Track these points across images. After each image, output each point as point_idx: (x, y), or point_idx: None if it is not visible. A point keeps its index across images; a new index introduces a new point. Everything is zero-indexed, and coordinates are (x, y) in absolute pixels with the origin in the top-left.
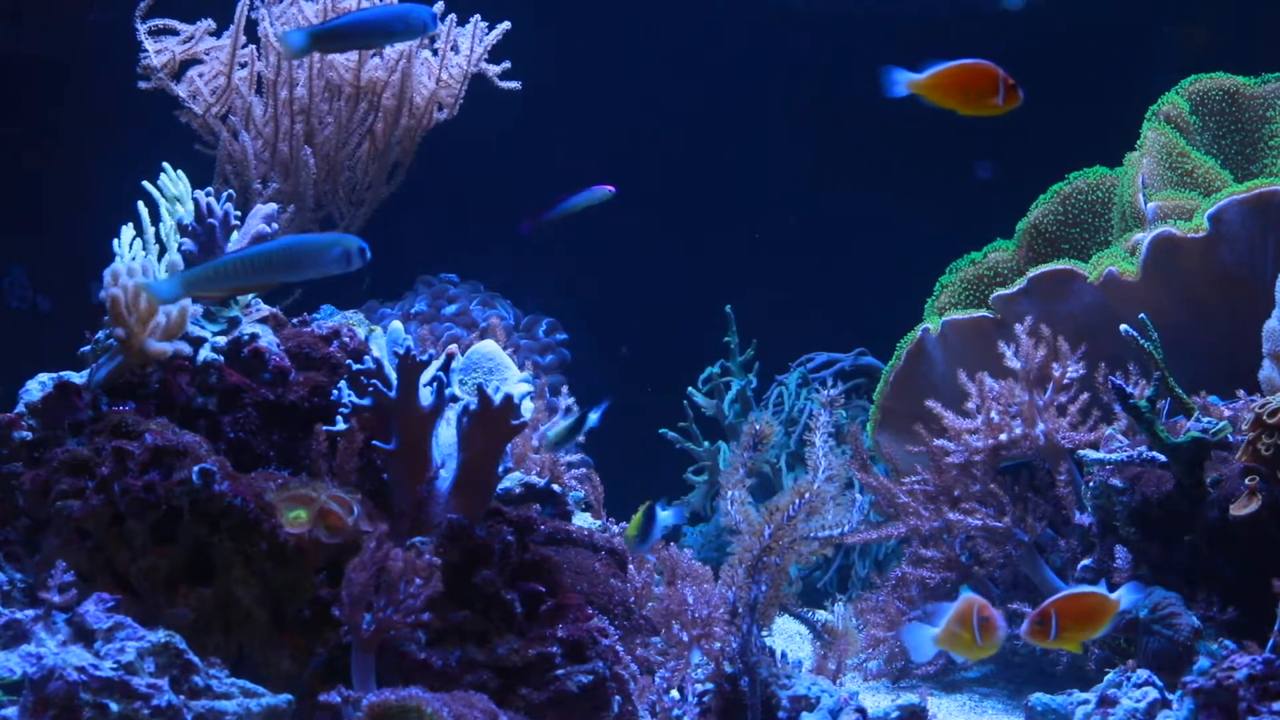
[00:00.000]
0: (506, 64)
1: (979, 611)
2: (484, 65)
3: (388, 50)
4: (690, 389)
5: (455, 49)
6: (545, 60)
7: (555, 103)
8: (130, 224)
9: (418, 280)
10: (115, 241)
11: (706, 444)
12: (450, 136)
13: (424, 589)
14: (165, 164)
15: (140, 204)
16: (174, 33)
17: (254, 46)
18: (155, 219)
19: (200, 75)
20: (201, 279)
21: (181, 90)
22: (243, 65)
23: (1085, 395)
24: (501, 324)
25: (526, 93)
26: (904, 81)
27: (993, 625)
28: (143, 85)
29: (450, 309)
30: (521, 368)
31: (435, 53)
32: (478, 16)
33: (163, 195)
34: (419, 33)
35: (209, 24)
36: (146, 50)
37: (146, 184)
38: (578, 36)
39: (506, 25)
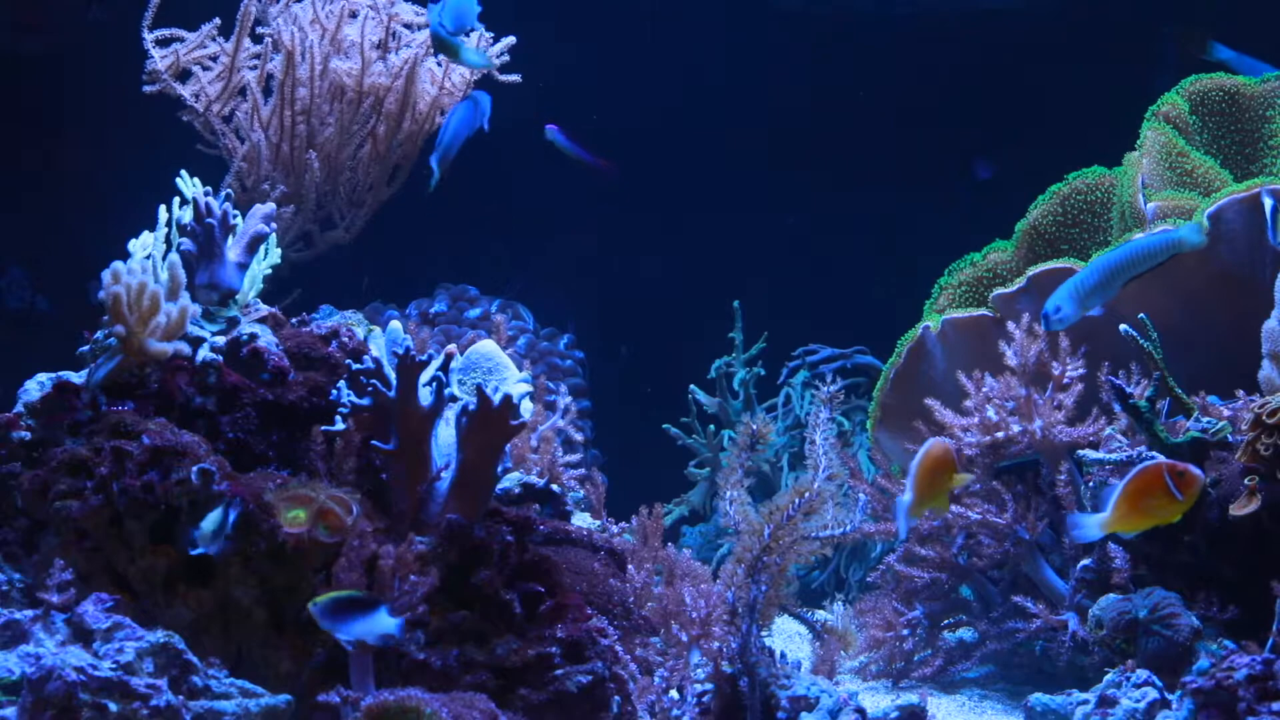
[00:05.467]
0: (506, 57)
1: (1169, 471)
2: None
3: (392, 57)
4: (693, 386)
5: None
6: (546, 63)
7: (555, 104)
8: (145, 232)
9: (438, 287)
10: (131, 243)
11: (711, 426)
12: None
13: (418, 586)
14: (183, 172)
15: (178, 199)
16: (180, 40)
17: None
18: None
19: (205, 75)
20: None
21: (186, 91)
22: (253, 67)
23: (1081, 388)
24: (522, 332)
25: (527, 95)
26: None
27: (1192, 476)
28: (148, 89)
29: (473, 312)
30: (542, 372)
31: (440, 62)
32: (482, 26)
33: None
34: None
35: (215, 24)
36: (152, 56)
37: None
38: (580, 39)
39: (511, 40)
